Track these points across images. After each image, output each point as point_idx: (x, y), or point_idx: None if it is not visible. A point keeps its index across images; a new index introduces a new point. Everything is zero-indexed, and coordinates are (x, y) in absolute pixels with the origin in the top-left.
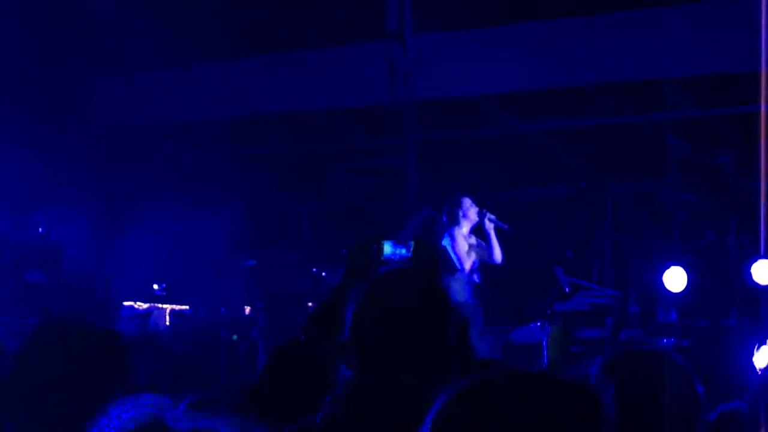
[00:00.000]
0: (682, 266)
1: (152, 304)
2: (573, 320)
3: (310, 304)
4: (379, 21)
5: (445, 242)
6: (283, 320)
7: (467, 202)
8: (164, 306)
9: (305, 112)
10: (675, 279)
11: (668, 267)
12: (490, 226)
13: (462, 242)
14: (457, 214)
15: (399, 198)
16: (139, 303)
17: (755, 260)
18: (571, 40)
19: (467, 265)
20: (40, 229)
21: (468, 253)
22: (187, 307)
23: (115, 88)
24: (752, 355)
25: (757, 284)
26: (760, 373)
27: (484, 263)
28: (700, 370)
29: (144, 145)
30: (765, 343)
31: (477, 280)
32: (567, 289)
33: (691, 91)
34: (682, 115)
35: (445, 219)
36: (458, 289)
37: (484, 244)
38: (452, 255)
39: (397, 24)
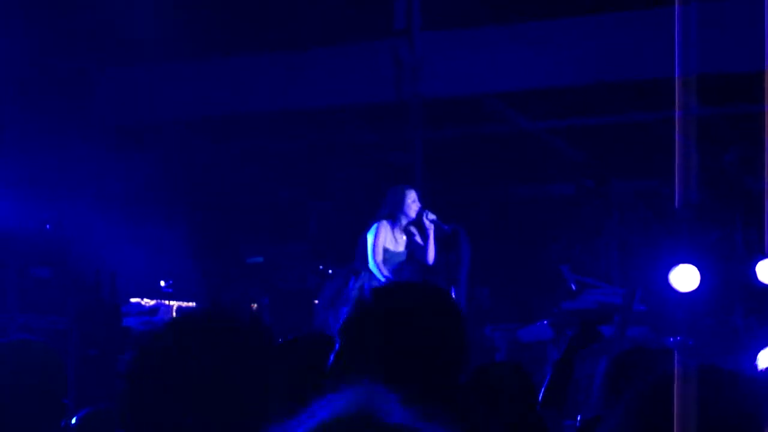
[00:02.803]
0: (689, 264)
1: (159, 301)
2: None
3: (316, 301)
4: (387, 18)
5: (369, 236)
6: (290, 317)
7: (411, 196)
8: (171, 303)
9: (313, 109)
10: (682, 277)
11: (675, 265)
12: (430, 226)
13: (382, 239)
14: (398, 209)
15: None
16: (145, 300)
17: (760, 259)
18: (578, 39)
19: (379, 260)
20: (47, 226)
21: (388, 249)
22: (194, 303)
23: (122, 83)
24: (758, 354)
25: (762, 283)
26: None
27: (416, 261)
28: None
29: (150, 141)
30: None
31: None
32: (573, 287)
33: (697, 89)
34: (689, 113)
35: (383, 211)
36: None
37: (420, 242)
38: (369, 248)
39: (404, 21)
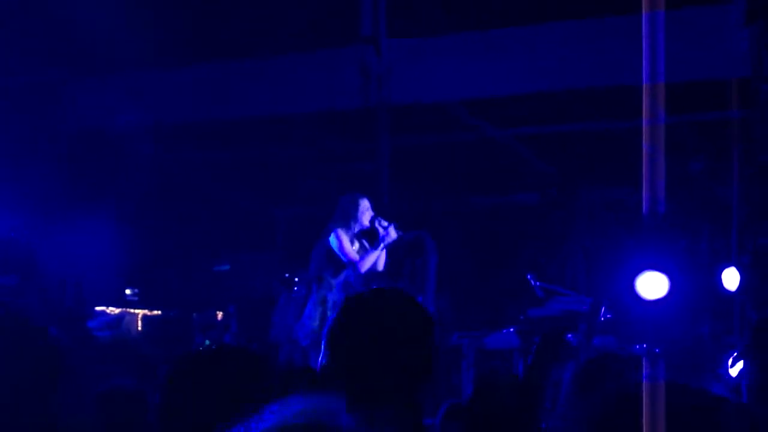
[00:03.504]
0: (656, 272)
1: (124, 309)
2: (542, 325)
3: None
4: (354, 25)
5: (332, 242)
6: (256, 325)
7: (364, 204)
8: (136, 311)
9: (279, 116)
10: (649, 285)
11: (641, 273)
12: (382, 233)
13: (348, 242)
14: (352, 216)
15: (372, 203)
16: (111, 308)
17: (725, 267)
18: (544, 47)
19: (356, 256)
20: (12, 234)
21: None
22: (159, 312)
23: (86, 91)
24: (725, 363)
25: (728, 291)
26: (731, 381)
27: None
28: (673, 375)
29: (116, 149)
30: (737, 355)
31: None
32: (540, 295)
33: (665, 97)
34: (656, 121)
35: (337, 218)
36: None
37: (369, 248)
38: (339, 253)
39: (371, 28)
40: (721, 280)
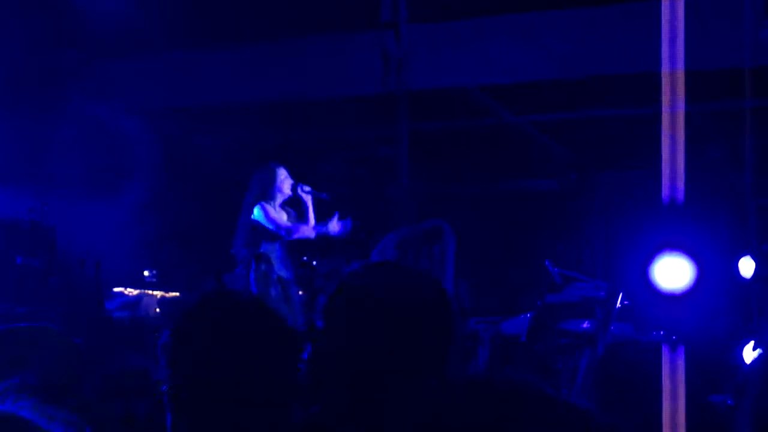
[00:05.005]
0: (674, 259)
1: (142, 291)
2: (560, 311)
3: (300, 292)
4: (373, 10)
5: (258, 215)
6: None
7: (282, 174)
8: (154, 293)
9: (298, 101)
10: (667, 272)
11: (659, 260)
12: (307, 198)
13: (274, 212)
14: (271, 187)
15: (392, 189)
16: (129, 289)
17: (742, 256)
18: (564, 32)
19: (284, 221)
20: (32, 215)
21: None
22: (178, 294)
23: (104, 72)
24: (742, 349)
25: (745, 279)
26: (745, 367)
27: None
28: (691, 362)
29: (138, 131)
30: (752, 340)
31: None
32: (558, 281)
33: (684, 84)
34: (675, 108)
35: (256, 191)
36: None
37: (296, 217)
38: (267, 224)
39: (391, 14)
40: (738, 267)
